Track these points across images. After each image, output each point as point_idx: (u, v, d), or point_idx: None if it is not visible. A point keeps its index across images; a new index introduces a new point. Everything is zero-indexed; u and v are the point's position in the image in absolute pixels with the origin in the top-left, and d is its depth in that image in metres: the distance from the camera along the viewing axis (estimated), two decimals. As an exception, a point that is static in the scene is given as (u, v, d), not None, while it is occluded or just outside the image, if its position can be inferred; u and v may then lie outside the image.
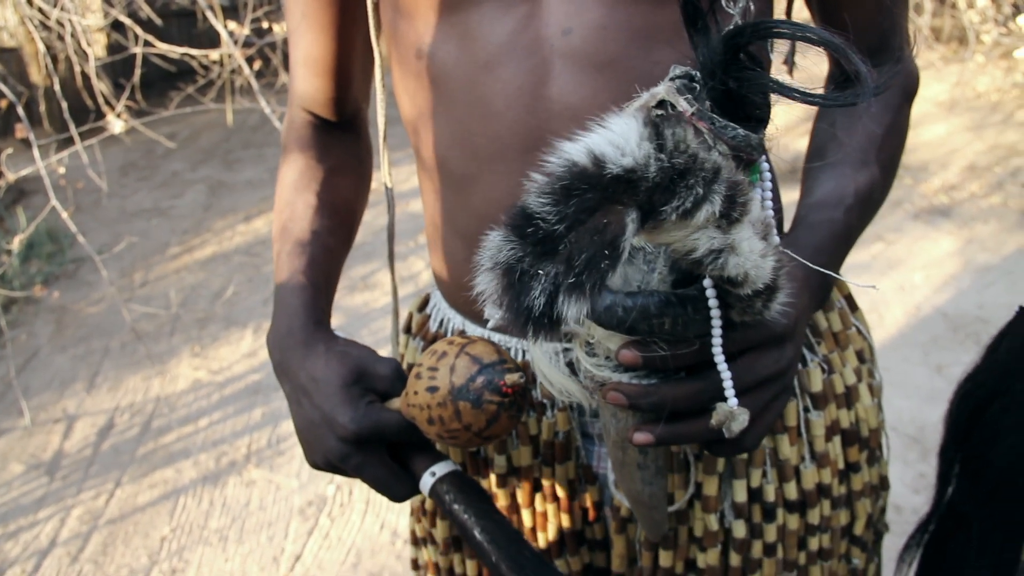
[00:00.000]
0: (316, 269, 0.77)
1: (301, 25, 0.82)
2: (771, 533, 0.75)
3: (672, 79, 0.49)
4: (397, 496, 0.69)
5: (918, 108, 5.23)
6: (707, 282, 0.50)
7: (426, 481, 0.68)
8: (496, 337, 0.78)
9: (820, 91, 0.47)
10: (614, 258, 0.39)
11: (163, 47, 3.13)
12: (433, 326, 0.86)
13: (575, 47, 0.65)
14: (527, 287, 0.39)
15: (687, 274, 0.52)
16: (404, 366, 0.88)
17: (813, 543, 0.78)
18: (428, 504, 0.88)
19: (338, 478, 2.60)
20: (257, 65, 3.81)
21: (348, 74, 0.85)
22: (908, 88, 0.80)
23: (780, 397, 0.59)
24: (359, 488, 2.55)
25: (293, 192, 0.83)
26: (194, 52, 3.20)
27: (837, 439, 0.77)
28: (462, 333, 0.82)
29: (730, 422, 0.52)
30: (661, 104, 0.49)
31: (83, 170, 4.94)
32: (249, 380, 3.22)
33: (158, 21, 3.81)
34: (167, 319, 3.78)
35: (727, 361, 0.53)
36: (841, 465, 0.78)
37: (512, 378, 0.61)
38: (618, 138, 0.40)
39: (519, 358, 0.77)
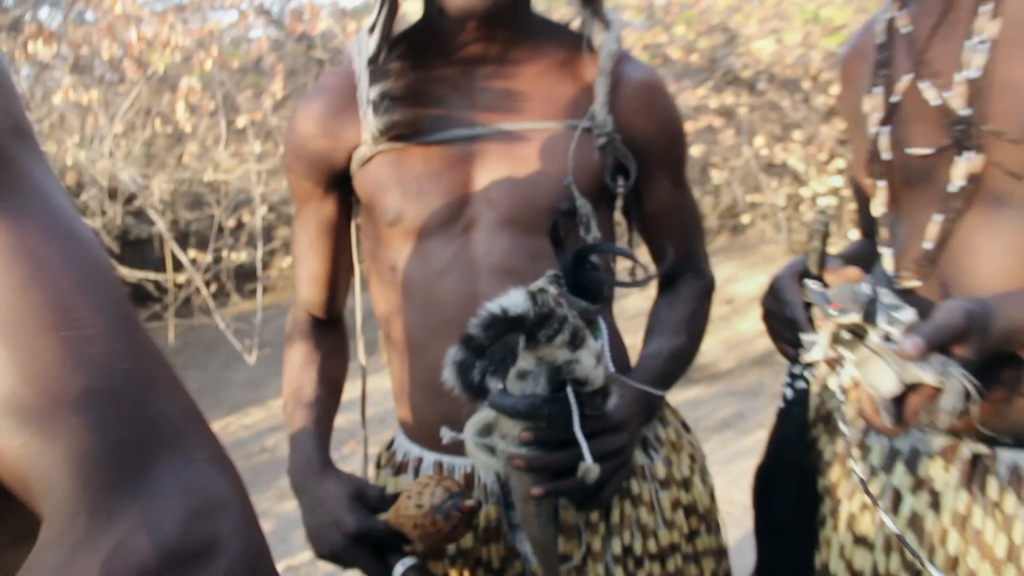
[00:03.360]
0: (321, 423, 1.15)
1: (307, 251, 1.22)
2: (641, 578, 1.09)
3: (547, 276, 0.91)
4: None
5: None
6: (569, 389, 0.88)
7: (397, 570, 1.02)
8: (446, 458, 1.14)
9: (625, 280, 0.90)
10: (514, 358, 0.78)
11: (125, 272, 3.52)
12: (399, 457, 1.21)
13: (494, 262, 1.07)
14: (470, 371, 0.78)
15: (557, 385, 0.90)
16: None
17: (673, 588, 1.11)
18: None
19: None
20: (213, 288, 4.21)
21: (335, 286, 1.25)
22: (706, 288, 1.24)
23: (621, 469, 0.97)
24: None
25: (300, 370, 1.21)
26: (153, 276, 3.58)
27: (680, 511, 1.13)
28: (420, 462, 1.17)
29: (588, 474, 0.88)
30: (542, 290, 0.89)
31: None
32: None
33: (115, 248, 4.23)
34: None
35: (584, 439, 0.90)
36: (686, 531, 1.13)
37: (469, 503, 0.98)
38: (514, 300, 0.80)
39: (467, 469, 1.12)
